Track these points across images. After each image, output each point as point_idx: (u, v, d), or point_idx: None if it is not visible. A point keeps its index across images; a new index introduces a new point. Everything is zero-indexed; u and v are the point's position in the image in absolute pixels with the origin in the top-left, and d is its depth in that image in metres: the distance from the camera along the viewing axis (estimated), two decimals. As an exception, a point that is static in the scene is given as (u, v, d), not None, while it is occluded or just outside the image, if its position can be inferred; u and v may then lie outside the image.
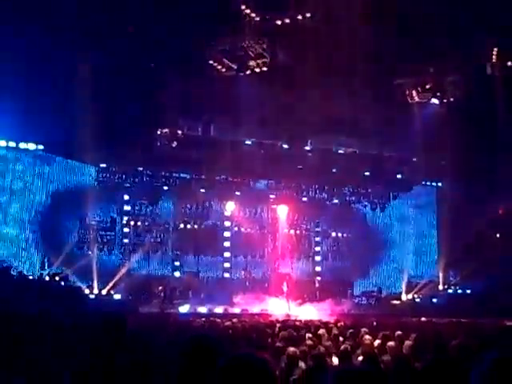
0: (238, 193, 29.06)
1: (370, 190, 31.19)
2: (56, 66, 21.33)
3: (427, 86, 26.30)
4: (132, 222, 27.64)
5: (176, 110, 25.70)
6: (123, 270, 26.50)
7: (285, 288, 26.22)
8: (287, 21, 22.50)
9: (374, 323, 14.27)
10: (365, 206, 31.61)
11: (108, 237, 27.21)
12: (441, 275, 30.00)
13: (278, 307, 24.05)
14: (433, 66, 25.65)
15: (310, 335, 10.02)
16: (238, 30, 22.79)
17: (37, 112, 21.34)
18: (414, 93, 26.51)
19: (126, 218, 27.62)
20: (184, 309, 22.99)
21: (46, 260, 24.72)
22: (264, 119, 26.01)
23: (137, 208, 28.01)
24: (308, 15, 22.20)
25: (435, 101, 26.60)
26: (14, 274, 22.52)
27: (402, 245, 31.00)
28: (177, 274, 27.96)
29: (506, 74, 24.35)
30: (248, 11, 22.33)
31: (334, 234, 30.99)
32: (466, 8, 19.80)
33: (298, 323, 14.13)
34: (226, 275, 28.85)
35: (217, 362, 2.53)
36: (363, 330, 10.54)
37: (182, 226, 28.58)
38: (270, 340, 9.68)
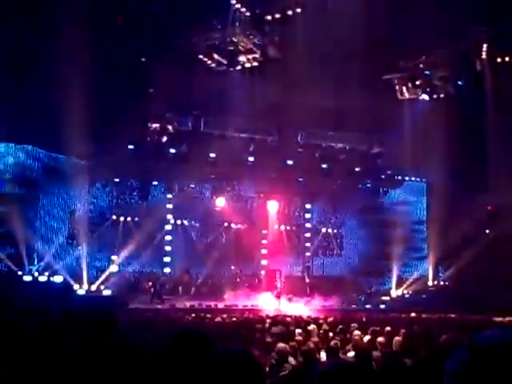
0: (228, 188, 29.01)
1: (360, 186, 31.23)
2: (44, 62, 21.13)
3: (417, 82, 26.36)
4: (122, 218, 27.50)
5: (166, 105, 25.61)
6: (113, 266, 26.42)
7: (275, 284, 26.27)
8: (277, 16, 22.47)
9: (364, 319, 14.32)
10: (355, 202, 31.65)
11: (97, 232, 27.05)
12: (430, 271, 30.15)
13: (268, 303, 24.09)
14: (423, 62, 25.71)
15: (300, 331, 10.01)
16: (229, 24, 22.70)
17: (27, 107, 21.20)
18: (405, 89, 26.57)
19: (115, 213, 27.48)
20: (174, 305, 22.96)
21: (35, 255, 24.55)
22: (254, 114, 25.96)
23: (127, 203, 27.88)
24: (298, 10, 22.16)
25: (425, 97, 26.67)
26: (3, 269, 22.39)
27: (392, 240, 31.07)
28: (167, 269, 27.89)
29: (495, 70, 24.46)
30: (238, 6, 22.26)
31: (324, 230, 31.04)
32: (457, 4, 19.83)
33: (287, 319, 14.15)
34: (216, 271, 28.79)
35: (204, 357, 2.51)
36: (353, 325, 10.57)
37: (172, 221, 28.52)
38: (259, 336, 9.66)
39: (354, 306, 25.44)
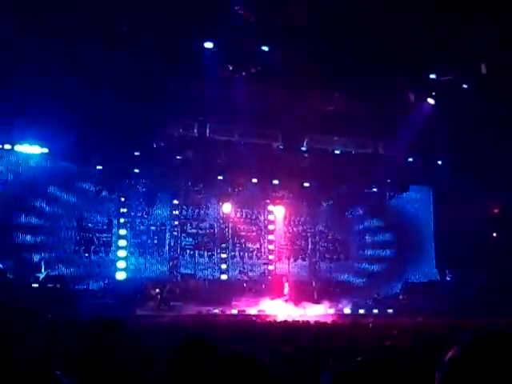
0: (234, 194, 29.02)
1: (366, 191, 31.17)
2: (51, 70, 21.22)
3: (422, 86, 26.28)
4: (128, 224, 27.55)
5: (171, 111, 25.64)
6: (119, 273, 26.45)
7: (282, 289, 26.25)
8: (281, 20, 22.47)
9: (371, 323, 14.30)
10: (361, 207, 31.60)
11: (104, 239, 27.11)
12: (438, 275, 30.03)
13: (275, 308, 24.06)
14: (428, 65, 25.64)
15: (307, 336, 10.01)
16: (233, 30, 22.74)
17: (35, 114, 21.30)
18: (410, 93, 26.50)
19: (122, 220, 27.53)
20: (181, 311, 22.96)
21: (42, 262, 24.62)
22: (259, 120, 25.96)
23: (133, 209, 27.93)
24: (301, 15, 22.16)
25: (430, 100, 26.60)
26: (10, 276, 22.44)
27: (399, 245, 31.00)
28: (174, 275, 27.90)
29: (500, 73, 24.38)
30: (242, 12, 22.29)
31: (330, 235, 30.96)
32: (462, 6, 19.81)
33: (295, 324, 14.14)
34: (223, 277, 28.82)
35: (211, 362, 2.51)
36: (360, 330, 10.55)
37: (178, 227, 28.53)
38: (266, 341, 9.65)
39: (361, 311, 25.36)
